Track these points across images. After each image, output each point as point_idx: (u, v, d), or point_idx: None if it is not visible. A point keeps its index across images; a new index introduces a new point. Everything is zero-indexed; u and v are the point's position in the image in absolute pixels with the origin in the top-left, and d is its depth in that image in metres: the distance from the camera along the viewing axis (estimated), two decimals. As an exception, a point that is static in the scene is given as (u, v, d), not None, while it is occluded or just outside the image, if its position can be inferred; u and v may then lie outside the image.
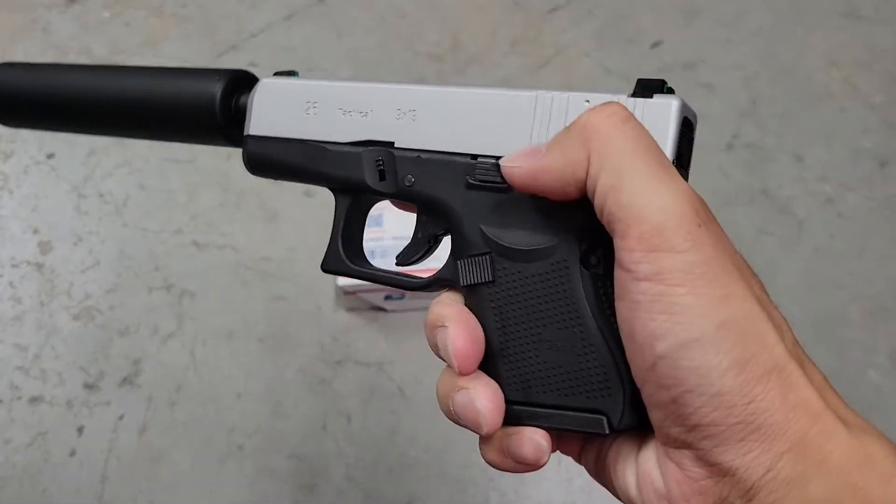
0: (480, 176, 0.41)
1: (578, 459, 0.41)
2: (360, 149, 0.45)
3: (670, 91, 0.39)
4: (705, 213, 0.34)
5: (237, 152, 0.48)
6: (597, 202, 0.35)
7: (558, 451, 0.41)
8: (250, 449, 0.84)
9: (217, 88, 0.48)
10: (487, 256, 0.40)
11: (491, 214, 0.41)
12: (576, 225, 0.38)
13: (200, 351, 0.87)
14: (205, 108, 0.48)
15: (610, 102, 0.37)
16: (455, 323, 0.40)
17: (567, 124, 0.38)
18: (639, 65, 1.08)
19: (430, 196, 0.43)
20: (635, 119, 0.36)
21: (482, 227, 0.41)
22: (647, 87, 0.38)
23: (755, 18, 1.12)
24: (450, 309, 0.41)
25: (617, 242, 0.34)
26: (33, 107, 0.55)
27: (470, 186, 0.41)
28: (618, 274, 0.35)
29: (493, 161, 0.41)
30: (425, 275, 0.44)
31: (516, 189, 0.39)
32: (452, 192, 0.42)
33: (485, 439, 0.40)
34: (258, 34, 1.06)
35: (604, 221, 0.35)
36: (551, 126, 0.40)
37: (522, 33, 1.10)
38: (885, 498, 0.31)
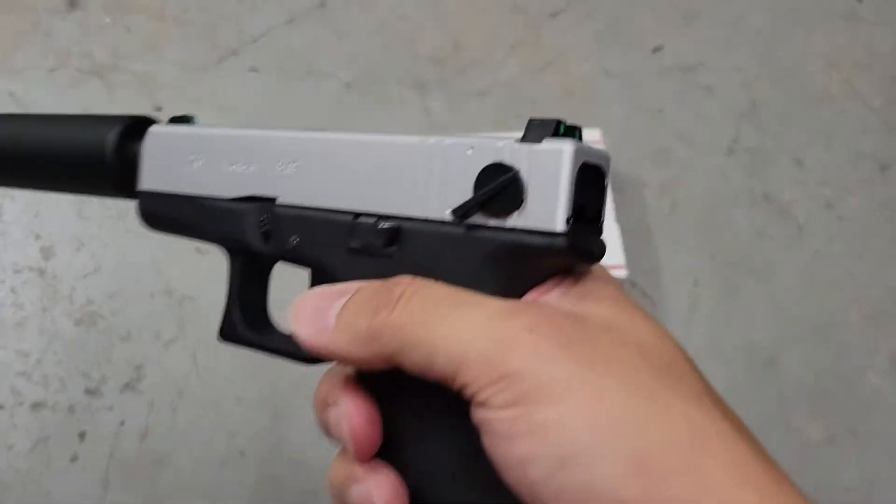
0: (360, 238, 0.35)
1: None
2: (244, 205, 0.39)
3: (570, 132, 0.32)
4: (532, 318, 0.30)
5: None
6: (420, 374, 0.31)
7: None
8: (252, 454, 0.84)
9: (110, 136, 0.44)
10: None
11: None
12: None
13: (202, 356, 0.87)
14: (96, 159, 0.44)
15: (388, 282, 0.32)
16: (350, 399, 0.34)
17: (447, 174, 0.33)
18: (639, 67, 1.08)
19: (315, 259, 0.38)
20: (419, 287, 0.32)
21: None
22: (538, 130, 0.32)
23: (755, 21, 1.12)
24: (343, 384, 0.35)
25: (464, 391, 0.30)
26: None
27: (351, 251, 0.36)
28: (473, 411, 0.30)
29: (374, 220, 0.35)
30: None
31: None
32: (334, 257, 0.36)
33: None
34: (259, 38, 1.06)
35: (440, 382, 0.31)
36: (432, 178, 0.34)
37: (523, 36, 1.10)
38: None
